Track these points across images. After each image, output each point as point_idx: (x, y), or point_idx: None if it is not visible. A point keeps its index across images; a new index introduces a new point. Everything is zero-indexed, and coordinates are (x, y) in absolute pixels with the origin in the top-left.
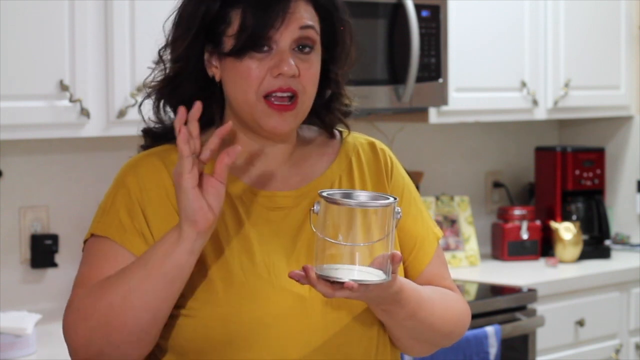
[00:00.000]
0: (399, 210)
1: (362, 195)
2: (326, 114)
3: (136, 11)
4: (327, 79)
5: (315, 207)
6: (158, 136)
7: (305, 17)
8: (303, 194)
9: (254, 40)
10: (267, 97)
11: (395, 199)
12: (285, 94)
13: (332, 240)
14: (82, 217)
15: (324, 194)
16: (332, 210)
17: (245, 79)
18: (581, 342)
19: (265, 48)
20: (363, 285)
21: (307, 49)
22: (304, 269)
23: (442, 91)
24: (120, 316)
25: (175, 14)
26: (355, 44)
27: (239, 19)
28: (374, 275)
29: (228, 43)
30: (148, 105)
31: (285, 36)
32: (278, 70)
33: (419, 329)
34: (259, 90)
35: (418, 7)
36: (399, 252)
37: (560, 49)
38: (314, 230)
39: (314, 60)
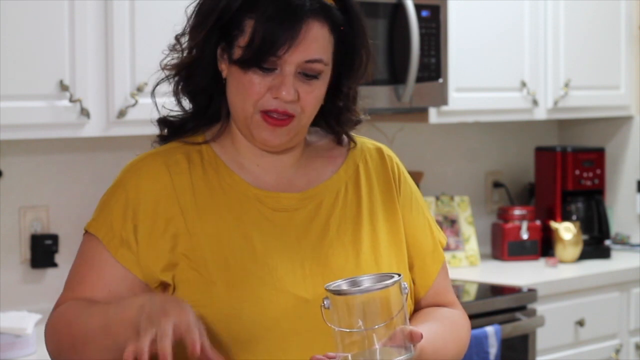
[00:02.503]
0: (406, 286)
1: (366, 280)
2: (335, 124)
3: (136, 11)
4: (339, 91)
5: (325, 303)
6: (175, 126)
7: (314, 47)
8: (308, 196)
9: (259, 59)
10: (264, 112)
11: (399, 276)
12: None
13: (348, 330)
14: (82, 217)
15: (332, 287)
16: (343, 301)
17: (246, 90)
18: (581, 342)
19: (270, 67)
20: None
21: (310, 77)
22: None
23: (442, 91)
24: (81, 357)
25: (196, 1)
26: (373, 60)
27: (249, 33)
28: (396, 353)
29: (237, 52)
30: (159, 96)
31: (290, 62)
32: (276, 93)
33: None
34: (257, 105)
35: (418, 7)
36: (418, 331)
37: (560, 49)
38: (330, 325)
39: (318, 85)
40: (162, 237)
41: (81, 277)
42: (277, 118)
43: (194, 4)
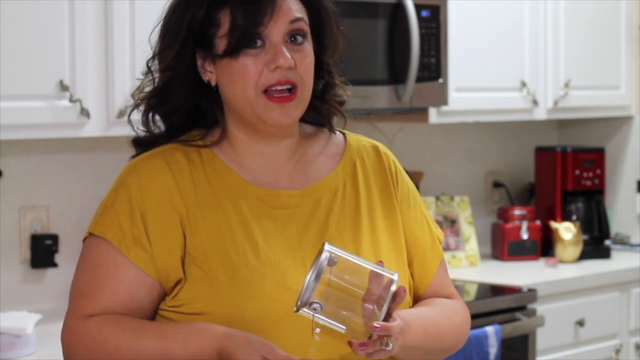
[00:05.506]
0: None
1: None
2: (321, 104)
3: (136, 11)
4: (319, 70)
5: (315, 330)
6: (148, 144)
7: (294, 9)
8: (307, 194)
9: (246, 38)
10: (266, 91)
11: (324, 243)
12: (284, 87)
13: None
14: (82, 217)
15: (302, 302)
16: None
17: (243, 76)
18: (581, 342)
19: (259, 43)
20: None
21: (299, 39)
22: (384, 328)
23: (442, 91)
24: None
25: (160, 24)
26: (342, 32)
27: (228, 19)
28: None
29: (221, 44)
30: (137, 115)
31: (276, 30)
32: (275, 63)
33: (429, 352)
34: (257, 86)
35: (418, 7)
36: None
37: (560, 49)
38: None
39: (308, 50)
40: (173, 235)
41: (98, 284)
42: (281, 95)
43: (158, 27)
